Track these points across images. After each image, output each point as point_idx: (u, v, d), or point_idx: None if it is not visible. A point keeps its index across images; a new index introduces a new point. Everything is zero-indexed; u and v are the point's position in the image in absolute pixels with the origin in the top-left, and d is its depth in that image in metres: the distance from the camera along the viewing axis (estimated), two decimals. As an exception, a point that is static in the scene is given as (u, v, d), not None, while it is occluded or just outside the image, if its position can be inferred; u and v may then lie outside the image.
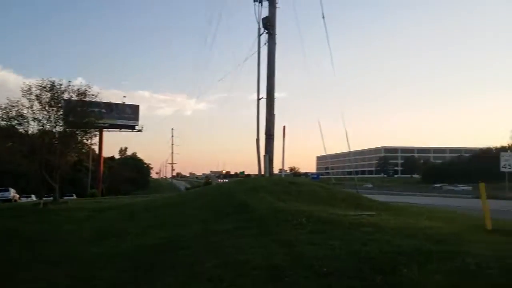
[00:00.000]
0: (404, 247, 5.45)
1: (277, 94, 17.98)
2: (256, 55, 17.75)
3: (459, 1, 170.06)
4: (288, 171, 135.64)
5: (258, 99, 17.67)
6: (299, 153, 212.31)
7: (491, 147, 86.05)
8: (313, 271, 4.90)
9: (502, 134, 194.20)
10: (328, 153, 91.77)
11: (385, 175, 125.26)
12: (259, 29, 17.63)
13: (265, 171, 17.08)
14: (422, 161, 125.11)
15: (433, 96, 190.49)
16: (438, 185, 74.74)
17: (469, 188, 61.96)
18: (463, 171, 76.33)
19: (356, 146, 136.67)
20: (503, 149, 74.85)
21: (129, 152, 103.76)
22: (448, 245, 5.59)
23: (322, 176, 75.62)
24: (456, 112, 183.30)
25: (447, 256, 5.02)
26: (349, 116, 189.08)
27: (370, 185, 77.95)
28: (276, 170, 20.51)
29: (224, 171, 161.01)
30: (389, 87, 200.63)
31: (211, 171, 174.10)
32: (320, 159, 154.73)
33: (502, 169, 35.68)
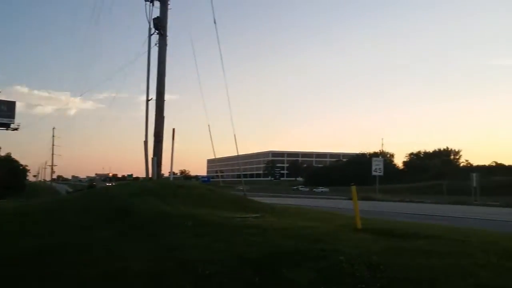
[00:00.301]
0: (284, 247, 5.73)
1: (168, 96, 17.71)
2: (146, 55, 17.33)
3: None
4: (179, 174, 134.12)
5: (148, 100, 17.25)
6: (191, 156, 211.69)
7: (366, 152, 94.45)
8: (197, 275, 4.91)
9: (375, 141, 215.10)
10: (218, 156, 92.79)
11: (272, 178, 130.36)
12: (149, 29, 17.20)
13: (153, 174, 16.70)
14: (305, 165, 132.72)
15: (317, 104, 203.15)
16: (294, 187, 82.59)
17: (327, 190, 70.54)
18: (341, 174, 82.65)
19: (246, 150, 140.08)
20: (375, 154, 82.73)
21: (2, 153, 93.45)
22: (323, 244, 6.00)
23: (213, 179, 76.13)
24: (336, 119, 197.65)
25: (322, 254, 5.39)
26: (239, 120, 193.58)
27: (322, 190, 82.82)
28: (165, 173, 20.20)
29: (111, 174, 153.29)
30: (277, 92, 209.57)
31: (96, 174, 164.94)
32: (210, 162, 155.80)
33: (374, 173, 39.50)
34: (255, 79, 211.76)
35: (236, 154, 19.12)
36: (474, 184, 34.65)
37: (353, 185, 7.93)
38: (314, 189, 78.53)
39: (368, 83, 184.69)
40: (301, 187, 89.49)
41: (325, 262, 5.09)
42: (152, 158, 16.82)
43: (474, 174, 36.37)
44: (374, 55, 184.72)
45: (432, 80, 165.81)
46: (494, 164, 79.71)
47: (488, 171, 66.77)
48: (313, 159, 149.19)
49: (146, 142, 16.99)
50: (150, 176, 16.69)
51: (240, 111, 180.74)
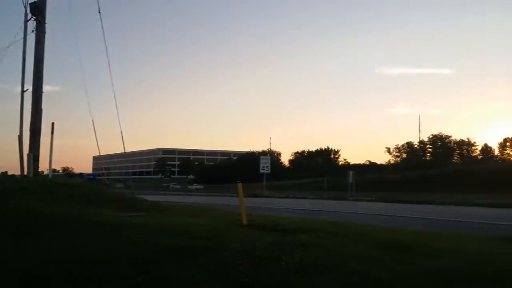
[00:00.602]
0: (168, 245, 5.68)
1: (47, 87, 16.43)
2: (22, 42, 15.94)
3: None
4: (61, 171, 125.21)
5: (23, 91, 15.89)
6: (76, 153, 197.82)
7: (255, 151, 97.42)
8: (73, 278, 4.63)
9: (264, 140, 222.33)
10: (105, 153, 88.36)
11: (163, 176, 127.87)
12: (26, 14, 15.82)
13: (28, 171, 15.42)
14: (196, 163, 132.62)
15: (208, 102, 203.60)
16: (165, 184, 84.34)
17: (201, 187, 74.65)
18: (231, 172, 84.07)
19: (135, 147, 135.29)
20: (263, 153, 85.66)
21: None
22: (209, 241, 6.09)
23: (99, 177, 72.25)
24: (226, 118, 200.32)
25: (207, 250, 5.46)
26: (129, 116, 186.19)
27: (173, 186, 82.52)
28: (45, 170, 18.81)
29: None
30: (169, 89, 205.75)
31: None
32: (96, 159, 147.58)
33: (262, 171, 40.82)
34: (145, 73, 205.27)
35: (123, 151, 18.48)
36: (350, 180, 37.68)
37: (239, 182, 8.16)
38: (189, 186, 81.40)
39: (256, 82, 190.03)
40: (173, 185, 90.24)
41: (210, 258, 5.16)
42: (28, 154, 15.58)
43: (350, 172, 39.58)
44: (264, 53, 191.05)
45: (304, 86, 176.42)
46: (368, 162, 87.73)
47: (363, 169, 73.29)
48: (205, 157, 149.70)
49: (20, 137, 15.72)
50: (25, 173, 15.47)
51: (130, 106, 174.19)
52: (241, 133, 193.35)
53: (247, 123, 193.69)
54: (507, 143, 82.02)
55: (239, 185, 8.27)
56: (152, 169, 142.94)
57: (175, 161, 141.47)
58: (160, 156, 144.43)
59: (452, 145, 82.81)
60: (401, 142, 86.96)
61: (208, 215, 10.57)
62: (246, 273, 4.55)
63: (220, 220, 9.00)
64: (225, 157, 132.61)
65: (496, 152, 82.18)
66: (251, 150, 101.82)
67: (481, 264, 5.21)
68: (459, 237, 7.94)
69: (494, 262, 5.44)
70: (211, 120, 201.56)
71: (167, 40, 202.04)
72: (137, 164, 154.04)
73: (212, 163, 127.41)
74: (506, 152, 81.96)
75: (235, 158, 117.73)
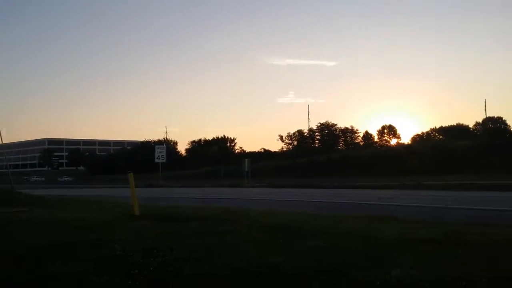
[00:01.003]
0: (53, 240, 5.44)
1: None
2: None
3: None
4: None
5: None
6: None
7: (150, 140, 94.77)
8: None
9: (160, 129, 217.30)
10: (-20, 145, 79.42)
11: (49, 168, 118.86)
12: None
13: None
14: (87, 154, 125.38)
15: (96, 89, 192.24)
16: (24, 178, 79.76)
17: (70, 179, 72.37)
18: (126, 162, 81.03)
19: (17, 138, 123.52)
20: (159, 142, 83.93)
21: None
22: (99, 234, 5.93)
23: (-22, 171, 64.79)
24: (119, 106, 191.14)
25: (96, 244, 5.33)
26: (10, 104, 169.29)
27: (36, 179, 75.73)
28: None
29: None
30: (56, 76, 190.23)
31: None
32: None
33: (156, 161, 40.09)
34: (27, 56, 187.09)
35: (1, 143, 16.85)
36: (246, 168, 38.70)
37: (130, 172, 8.01)
38: (59, 179, 77.79)
39: (151, 70, 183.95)
40: (36, 177, 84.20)
41: (99, 251, 5.05)
42: None
43: (246, 160, 40.62)
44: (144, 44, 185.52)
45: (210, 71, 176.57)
46: (262, 150, 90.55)
47: (258, 157, 75.57)
48: (96, 147, 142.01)
49: None
50: None
51: (8, 94, 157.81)
52: (136, 122, 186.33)
53: (142, 111, 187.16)
54: (385, 130, 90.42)
55: (130, 175, 8.12)
56: (37, 161, 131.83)
57: (63, 152, 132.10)
58: (46, 147, 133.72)
59: (338, 132, 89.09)
60: (293, 130, 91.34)
61: (98, 208, 10.19)
62: (137, 264, 4.54)
63: (111, 212, 8.76)
64: (119, 147, 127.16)
65: (376, 138, 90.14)
66: (147, 139, 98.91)
67: (348, 241, 5.79)
68: (336, 217, 8.69)
69: (357, 238, 6.07)
70: (103, 109, 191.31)
71: (49, 25, 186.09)
72: (21, 156, 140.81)
73: (105, 154, 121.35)
74: (384, 138, 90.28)
75: (129, 148, 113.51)
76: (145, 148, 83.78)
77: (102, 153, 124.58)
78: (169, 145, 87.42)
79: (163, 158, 40.17)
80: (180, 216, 8.20)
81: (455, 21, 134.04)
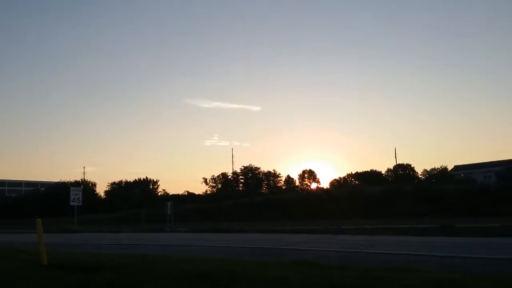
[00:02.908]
0: None
1: None
2: None
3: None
4: None
5: None
6: None
7: (67, 181, 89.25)
8: None
9: (78, 169, 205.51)
10: None
11: None
12: None
13: None
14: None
15: (5, 125, 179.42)
16: None
17: None
18: (38, 205, 75.26)
19: None
20: (76, 183, 79.54)
21: None
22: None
23: None
24: (32, 144, 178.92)
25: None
26: None
27: None
28: None
29: None
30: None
31: None
32: None
33: (72, 203, 37.79)
34: None
35: None
36: (169, 212, 37.71)
37: (37, 217, 7.48)
38: None
39: (63, 108, 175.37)
40: None
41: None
42: None
43: (168, 203, 39.61)
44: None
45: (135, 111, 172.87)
46: (186, 193, 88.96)
47: (182, 199, 74.09)
48: (6, 188, 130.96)
49: None
50: None
51: None
52: (52, 161, 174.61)
53: (58, 150, 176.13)
54: (305, 175, 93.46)
55: (38, 220, 7.56)
56: None
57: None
58: None
59: (261, 176, 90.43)
60: (217, 173, 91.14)
61: (1, 255, 9.28)
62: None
63: (14, 261, 8.01)
64: (31, 188, 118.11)
65: (297, 182, 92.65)
66: (62, 180, 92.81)
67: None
68: (257, 263, 8.70)
69: (285, 284, 6.14)
70: (14, 146, 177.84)
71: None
72: None
73: (15, 195, 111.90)
74: (304, 182, 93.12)
75: (43, 189, 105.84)
76: (61, 190, 78.61)
77: (12, 195, 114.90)
78: (87, 187, 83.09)
79: (79, 201, 37.98)
80: (93, 265, 7.71)
81: (370, 81, 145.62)
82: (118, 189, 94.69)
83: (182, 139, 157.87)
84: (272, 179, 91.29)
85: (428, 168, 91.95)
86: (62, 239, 21.52)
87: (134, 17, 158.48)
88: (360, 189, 60.08)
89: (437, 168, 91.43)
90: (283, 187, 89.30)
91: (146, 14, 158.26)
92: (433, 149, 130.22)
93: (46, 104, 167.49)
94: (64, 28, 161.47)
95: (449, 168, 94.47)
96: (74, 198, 37.86)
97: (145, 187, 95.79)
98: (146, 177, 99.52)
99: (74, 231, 34.27)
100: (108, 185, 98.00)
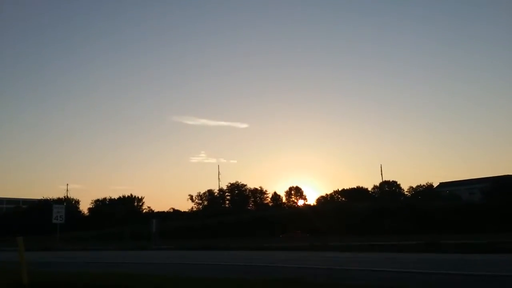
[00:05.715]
0: None
1: None
2: None
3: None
4: None
5: None
6: None
7: (49, 198, 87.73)
8: None
9: (61, 186, 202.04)
10: None
11: None
12: None
13: None
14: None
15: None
16: None
17: None
18: (21, 223, 73.72)
19: None
20: (59, 201, 78.24)
21: None
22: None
23: None
24: (15, 160, 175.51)
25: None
26: None
27: None
28: None
29: None
30: None
31: None
32: None
33: (54, 221, 37.04)
34: None
35: None
36: (154, 229, 37.22)
37: (19, 236, 7.33)
38: None
39: (47, 125, 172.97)
40: None
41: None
42: None
43: (154, 220, 39.12)
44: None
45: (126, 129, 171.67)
46: (171, 210, 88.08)
47: (167, 217, 73.40)
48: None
49: None
50: None
51: None
52: (34, 178, 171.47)
53: (41, 166, 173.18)
54: (292, 192, 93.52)
55: (19, 239, 7.40)
56: None
57: None
58: None
59: (247, 193, 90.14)
60: (203, 190, 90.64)
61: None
62: None
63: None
64: (13, 205, 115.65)
65: (284, 199, 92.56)
66: (45, 198, 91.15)
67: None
68: (243, 282, 8.60)
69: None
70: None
71: None
72: None
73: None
74: (291, 199, 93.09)
75: (24, 206, 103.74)
76: (43, 207, 77.18)
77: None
78: (70, 204, 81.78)
79: (61, 219, 37.25)
80: (75, 284, 7.55)
81: (356, 99, 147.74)
82: (102, 206, 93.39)
83: (168, 156, 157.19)
84: (258, 196, 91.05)
85: (414, 185, 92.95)
86: (44, 257, 21.06)
87: (118, 33, 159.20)
88: (347, 206, 60.28)
89: (423, 185, 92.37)
90: (270, 204, 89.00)
91: (129, 29, 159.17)
92: (418, 166, 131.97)
93: (28, 120, 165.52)
94: (47, 45, 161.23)
95: (435, 185, 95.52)
96: (57, 216, 37.12)
97: (129, 204, 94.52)
98: (131, 194, 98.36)
99: (57, 249, 33.56)
100: (92, 202, 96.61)
